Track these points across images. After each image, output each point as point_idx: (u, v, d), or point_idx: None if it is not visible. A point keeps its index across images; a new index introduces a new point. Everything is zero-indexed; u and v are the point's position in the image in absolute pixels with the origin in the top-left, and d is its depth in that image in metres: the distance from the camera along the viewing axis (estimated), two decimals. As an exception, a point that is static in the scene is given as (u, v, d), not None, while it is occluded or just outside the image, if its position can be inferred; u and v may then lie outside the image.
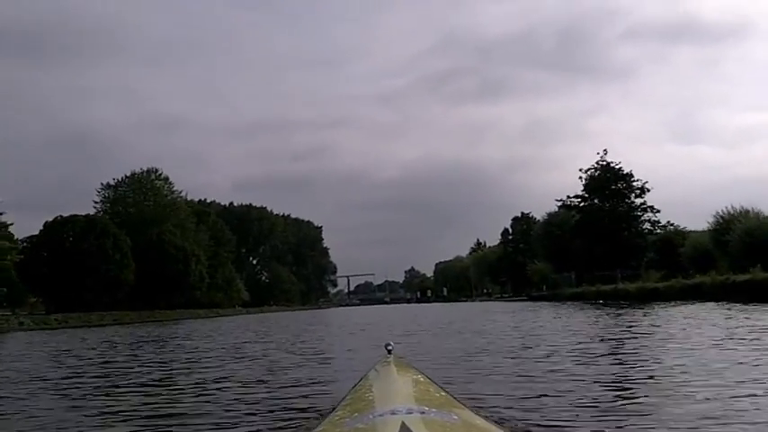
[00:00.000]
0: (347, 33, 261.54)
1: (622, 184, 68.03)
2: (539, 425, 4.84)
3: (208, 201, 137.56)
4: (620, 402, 5.85)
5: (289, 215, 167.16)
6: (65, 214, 72.30)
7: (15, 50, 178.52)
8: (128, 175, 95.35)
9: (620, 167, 68.59)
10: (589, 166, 71.90)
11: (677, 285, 40.17)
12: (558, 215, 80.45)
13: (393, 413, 2.21)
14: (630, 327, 16.54)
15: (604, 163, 69.33)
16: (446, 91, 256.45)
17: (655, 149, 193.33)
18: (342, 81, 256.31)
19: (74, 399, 7.85)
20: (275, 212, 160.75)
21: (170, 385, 8.81)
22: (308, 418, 5.28)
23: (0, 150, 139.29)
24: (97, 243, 69.33)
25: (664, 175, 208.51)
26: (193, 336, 24.47)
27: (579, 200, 71.82)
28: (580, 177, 72.56)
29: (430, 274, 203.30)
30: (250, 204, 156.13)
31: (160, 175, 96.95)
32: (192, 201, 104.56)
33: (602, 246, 65.07)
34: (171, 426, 5.72)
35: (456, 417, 2.36)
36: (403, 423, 1.96)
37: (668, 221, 66.86)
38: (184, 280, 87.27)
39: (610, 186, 68.20)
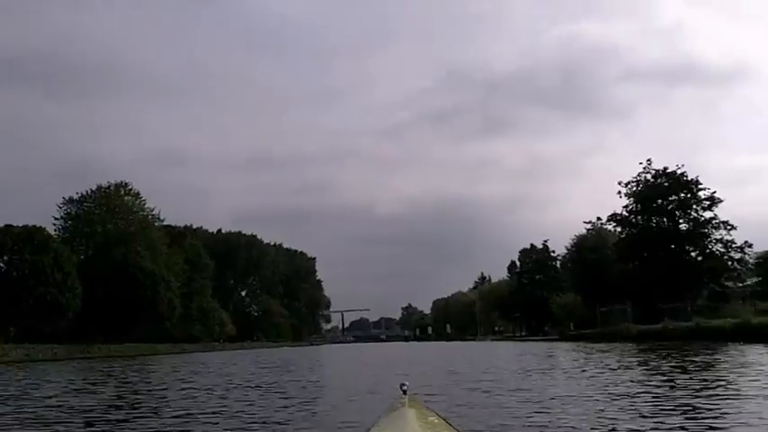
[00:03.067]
0: (349, 68, 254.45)
1: (685, 194, 53.56)
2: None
3: (194, 227, 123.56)
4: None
5: (280, 244, 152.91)
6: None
7: (21, 82, 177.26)
8: (93, 189, 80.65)
9: (684, 172, 54.34)
10: (631, 178, 57.94)
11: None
12: (589, 238, 65.92)
13: None
14: None
15: (659, 170, 55.08)
16: (448, 127, 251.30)
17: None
18: (344, 116, 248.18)
19: None
20: (266, 241, 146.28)
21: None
22: None
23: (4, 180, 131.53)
24: (33, 260, 54.40)
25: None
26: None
27: (628, 215, 57.63)
28: (619, 192, 58.58)
29: (427, 311, 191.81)
30: (239, 232, 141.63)
31: (130, 190, 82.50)
32: (169, 224, 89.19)
33: (659, 271, 50.47)
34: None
35: None
36: None
37: (745, 242, 51.52)
38: (152, 309, 72.32)
39: (668, 197, 53.76)
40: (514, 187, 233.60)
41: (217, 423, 8.20)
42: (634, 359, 20.09)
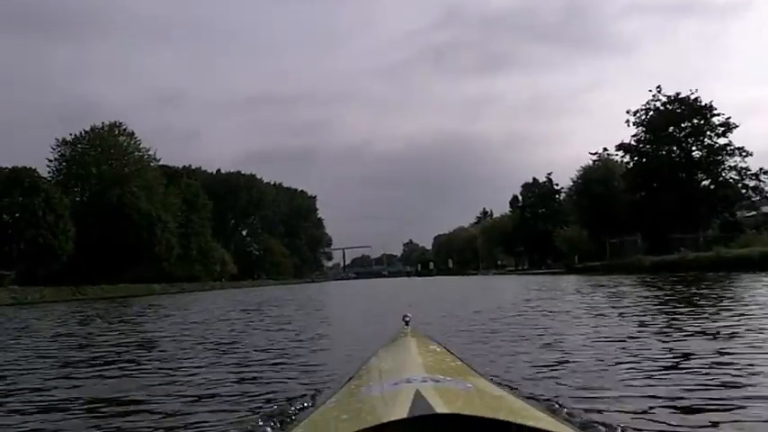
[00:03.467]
0: (347, 7, 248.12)
1: (699, 120, 51.20)
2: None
3: (193, 167, 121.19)
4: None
5: (280, 184, 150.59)
6: None
7: (21, 28, 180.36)
8: (86, 130, 78.25)
9: (698, 97, 51.82)
10: (640, 106, 55.59)
11: None
12: (596, 169, 63.73)
13: (408, 381, 2.12)
14: None
15: (671, 96, 52.60)
16: (447, 65, 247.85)
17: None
18: (342, 55, 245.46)
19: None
20: (266, 181, 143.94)
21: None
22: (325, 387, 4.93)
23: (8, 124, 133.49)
24: (23, 202, 52.47)
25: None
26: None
27: (636, 144, 55.45)
28: (627, 121, 56.26)
29: (429, 247, 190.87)
30: (238, 172, 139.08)
31: (125, 129, 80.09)
32: (165, 164, 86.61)
33: (671, 200, 48.45)
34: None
35: (470, 385, 2.25)
36: (417, 391, 1.88)
37: (760, 169, 49.12)
38: (148, 250, 70.71)
39: (680, 124, 51.45)
40: (515, 124, 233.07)
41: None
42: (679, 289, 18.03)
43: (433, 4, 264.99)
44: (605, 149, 64.08)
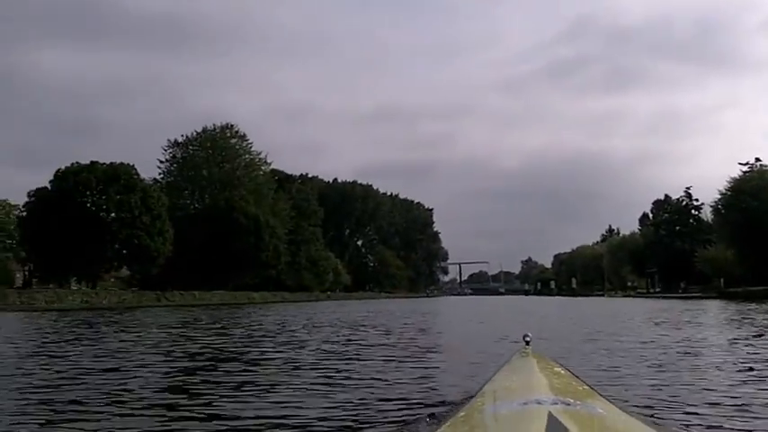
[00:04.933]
0: (471, 21, 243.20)
1: None
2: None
3: (309, 176, 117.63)
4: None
5: (397, 195, 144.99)
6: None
7: (154, 43, 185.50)
8: (198, 131, 75.12)
9: None
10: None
11: None
12: (748, 180, 54.85)
13: (538, 402, 2.07)
14: None
15: None
16: (572, 80, 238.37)
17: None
18: (465, 69, 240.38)
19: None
20: (382, 191, 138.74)
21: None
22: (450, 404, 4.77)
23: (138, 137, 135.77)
24: (119, 199, 48.64)
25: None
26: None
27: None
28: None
29: (548, 265, 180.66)
30: (354, 181, 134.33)
31: (236, 132, 76.63)
32: (276, 168, 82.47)
33: None
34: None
35: (602, 410, 2.18)
36: (550, 413, 1.84)
37: None
38: (255, 256, 66.44)
39: None
40: (641, 142, 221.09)
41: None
42: None
43: (561, 17, 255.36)
44: (758, 159, 55.45)
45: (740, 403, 5.31)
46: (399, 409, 5.07)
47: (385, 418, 4.81)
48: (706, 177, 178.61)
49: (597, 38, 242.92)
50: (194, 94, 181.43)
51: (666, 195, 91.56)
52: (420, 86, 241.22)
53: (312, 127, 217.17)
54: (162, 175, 73.58)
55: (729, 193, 55.90)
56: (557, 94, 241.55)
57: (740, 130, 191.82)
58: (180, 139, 74.93)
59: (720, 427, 4.54)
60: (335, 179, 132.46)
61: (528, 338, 4.27)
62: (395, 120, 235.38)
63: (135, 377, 7.30)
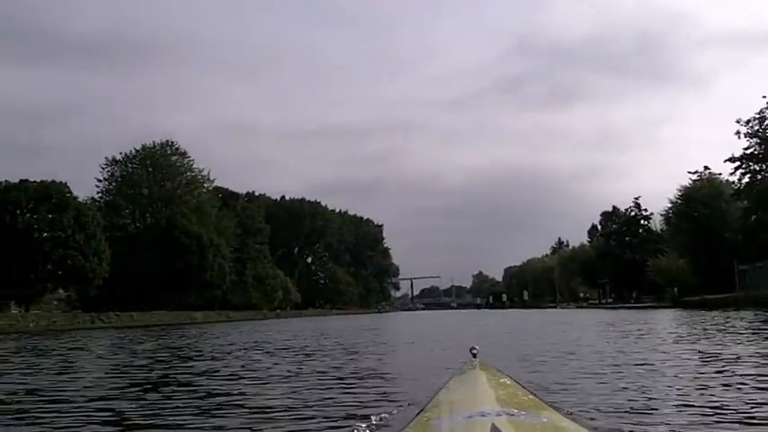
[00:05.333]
0: (415, 37, 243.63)
1: None
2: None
3: (256, 194, 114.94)
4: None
5: (346, 212, 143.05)
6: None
7: (89, 59, 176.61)
8: (137, 149, 72.04)
9: None
10: (754, 114, 46.27)
11: None
12: (699, 189, 54.14)
13: (482, 415, 2.09)
14: None
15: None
16: (516, 96, 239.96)
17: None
18: (410, 86, 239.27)
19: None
20: (331, 208, 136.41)
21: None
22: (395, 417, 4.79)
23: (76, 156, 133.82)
24: (51, 218, 45.73)
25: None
26: None
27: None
28: (737, 133, 46.95)
29: (499, 278, 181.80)
30: (303, 199, 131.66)
31: (177, 149, 73.61)
32: (220, 186, 79.56)
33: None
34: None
35: (546, 419, 2.20)
36: (493, 425, 1.87)
37: None
38: (199, 276, 63.78)
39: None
40: (584, 156, 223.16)
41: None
42: None
43: (505, 33, 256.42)
44: (707, 167, 54.96)
45: (693, 410, 5.19)
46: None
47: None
48: (649, 190, 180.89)
49: (540, 54, 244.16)
50: (135, 111, 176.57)
51: (614, 207, 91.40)
52: (366, 103, 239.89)
53: (257, 144, 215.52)
54: (100, 194, 70.60)
55: (680, 201, 55.17)
56: (501, 110, 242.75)
57: (679, 144, 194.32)
58: (119, 157, 71.76)
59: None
60: (283, 197, 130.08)
61: (475, 351, 4.28)
62: (341, 136, 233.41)
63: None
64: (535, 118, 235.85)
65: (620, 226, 77.36)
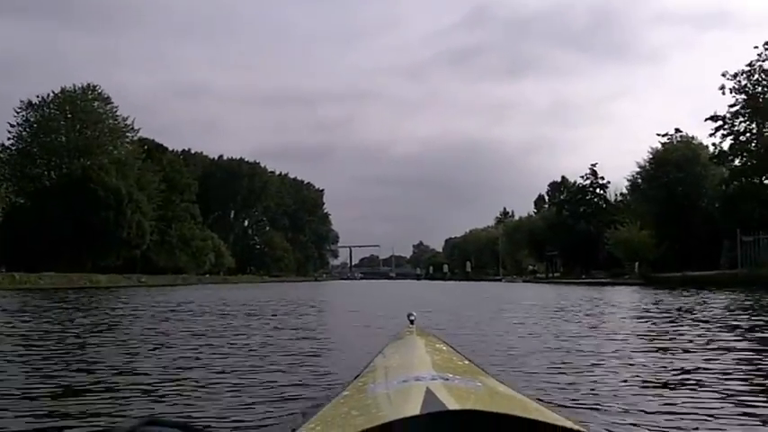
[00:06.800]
0: (373, 5, 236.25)
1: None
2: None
3: (192, 151, 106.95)
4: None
5: (286, 174, 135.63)
6: None
7: (44, 12, 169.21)
8: (56, 92, 63.72)
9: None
10: (743, 67, 40.95)
11: None
12: (673, 151, 48.81)
13: (417, 379, 2.05)
14: None
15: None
16: (471, 67, 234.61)
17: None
18: (365, 53, 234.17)
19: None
20: (270, 170, 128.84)
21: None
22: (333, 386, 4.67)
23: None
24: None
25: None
26: None
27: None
28: (722, 88, 41.54)
29: (440, 250, 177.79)
30: (241, 159, 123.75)
31: (99, 93, 65.48)
32: (145, 137, 71.33)
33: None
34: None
35: (480, 384, 2.18)
36: (428, 388, 1.82)
37: None
38: (116, 234, 56.50)
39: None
40: (535, 129, 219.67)
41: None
42: None
43: (460, 5, 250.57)
44: (678, 130, 49.80)
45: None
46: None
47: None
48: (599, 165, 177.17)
49: (496, 25, 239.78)
50: (84, 68, 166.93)
51: (563, 177, 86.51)
52: (320, 70, 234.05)
53: (208, 106, 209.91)
54: (12, 141, 62.66)
55: (650, 165, 49.58)
56: (455, 80, 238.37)
57: (632, 120, 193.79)
58: (35, 101, 63.48)
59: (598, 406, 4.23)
60: (221, 156, 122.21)
61: (412, 317, 4.23)
62: (294, 102, 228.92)
63: None
64: (490, 90, 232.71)
65: (574, 194, 71.70)
